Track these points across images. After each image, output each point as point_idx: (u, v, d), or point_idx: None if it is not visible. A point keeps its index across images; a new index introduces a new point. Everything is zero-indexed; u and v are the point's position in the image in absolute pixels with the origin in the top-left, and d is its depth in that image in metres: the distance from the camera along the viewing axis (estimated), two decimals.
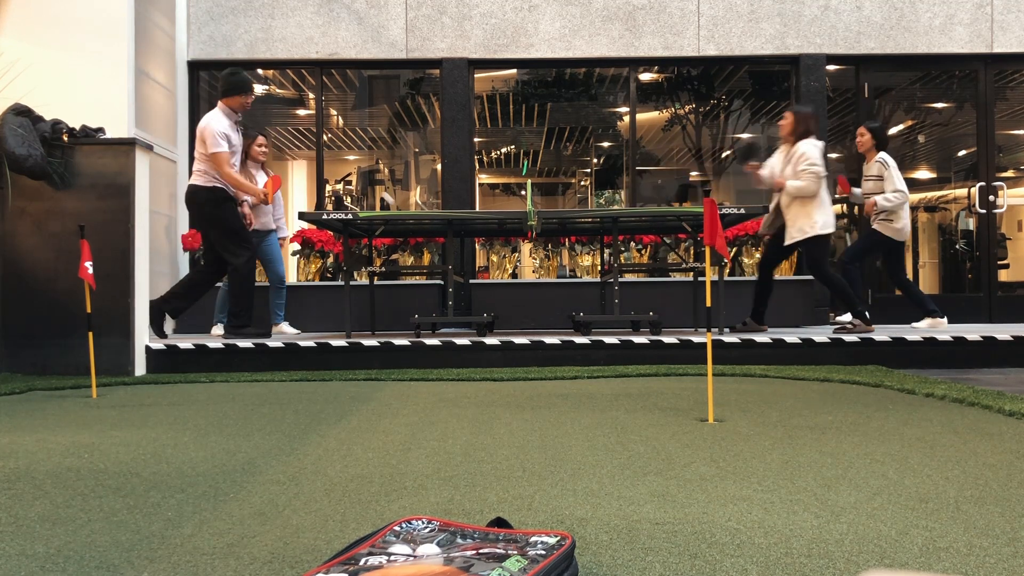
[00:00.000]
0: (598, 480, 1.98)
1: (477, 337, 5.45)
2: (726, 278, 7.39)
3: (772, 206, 6.07)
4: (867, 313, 5.82)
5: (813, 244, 5.79)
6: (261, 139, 6.52)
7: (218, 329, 6.49)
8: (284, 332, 6.55)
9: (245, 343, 5.34)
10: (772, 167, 6.07)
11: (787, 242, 5.87)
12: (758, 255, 7.69)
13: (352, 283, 7.23)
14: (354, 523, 1.62)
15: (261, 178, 6.52)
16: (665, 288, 7.43)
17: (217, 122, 5.56)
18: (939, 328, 6.23)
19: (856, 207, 8.28)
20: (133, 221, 5.06)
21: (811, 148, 5.77)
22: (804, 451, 2.32)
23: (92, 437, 2.74)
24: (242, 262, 5.57)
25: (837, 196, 6.79)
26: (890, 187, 6.09)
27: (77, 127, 5.17)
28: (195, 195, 5.59)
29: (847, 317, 6.63)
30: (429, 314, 7.30)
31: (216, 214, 5.56)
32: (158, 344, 5.30)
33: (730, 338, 5.31)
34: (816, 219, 5.74)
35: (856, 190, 6.44)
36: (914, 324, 6.51)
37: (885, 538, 1.47)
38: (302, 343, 5.30)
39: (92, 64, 6.35)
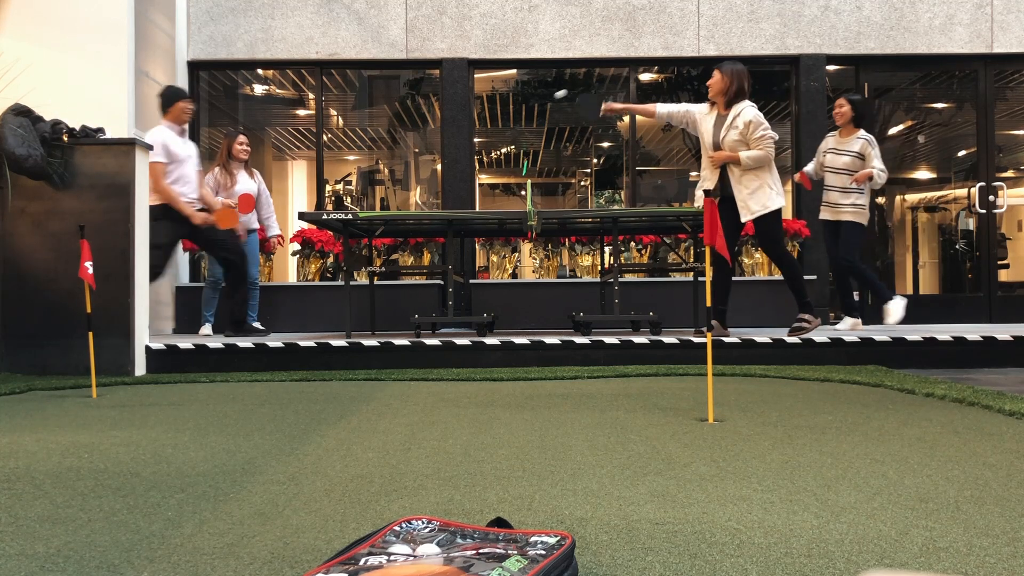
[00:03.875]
0: (598, 480, 1.98)
1: (477, 337, 5.45)
2: None
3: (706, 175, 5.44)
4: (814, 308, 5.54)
5: (773, 219, 5.30)
6: (242, 137, 6.60)
7: (206, 328, 6.50)
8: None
9: (245, 343, 5.34)
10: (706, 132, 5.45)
11: (746, 218, 5.27)
12: (758, 255, 7.68)
13: (352, 283, 7.23)
14: (354, 523, 1.62)
15: (243, 178, 6.56)
16: (665, 288, 7.43)
17: (158, 133, 5.70)
18: (857, 327, 6.21)
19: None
20: (133, 221, 5.06)
21: (755, 112, 5.23)
22: (804, 451, 2.32)
23: (92, 437, 2.74)
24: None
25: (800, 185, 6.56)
26: (875, 162, 5.96)
27: (77, 127, 5.16)
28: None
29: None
30: (429, 314, 7.30)
31: (155, 228, 5.58)
32: (158, 344, 5.30)
33: (730, 338, 5.31)
34: (775, 190, 5.25)
35: (807, 169, 6.35)
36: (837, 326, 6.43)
37: (885, 538, 1.47)
38: (302, 343, 5.30)
39: (92, 64, 6.34)
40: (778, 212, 5.29)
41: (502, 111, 9.68)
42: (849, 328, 6.23)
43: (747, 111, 5.23)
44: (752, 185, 5.23)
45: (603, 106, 5.59)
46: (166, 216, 5.70)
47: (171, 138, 5.81)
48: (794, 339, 5.25)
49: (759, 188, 5.22)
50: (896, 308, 6.15)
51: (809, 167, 6.39)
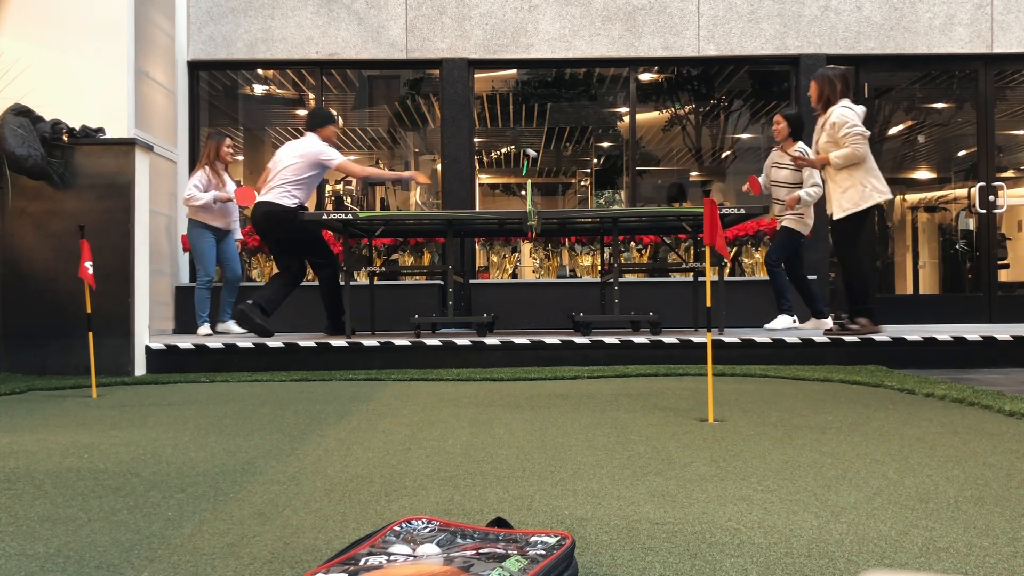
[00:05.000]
0: (598, 480, 1.98)
1: (477, 337, 5.45)
2: (726, 278, 7.39)
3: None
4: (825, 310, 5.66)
5: (854, 220, 5.23)
6: (228, 140, 6.71)
7: (204, 328, 6.50)
8: (231, 330, 6.67)
9: (245, 343, 5.34)
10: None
11: (837, 216, 5.25)
12: (758, 255, 7.68)
13: (352, 283, 7.23)
14: (354, 523, 1.62)
15: (227, 179, 6.70)
16: (665, 288, 7.43)
17: (326, 142, 6.05)
18: (822, 327, 6.21)
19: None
20: (133, 221, 5.06)
21: (844, 111, 5.20)
22: (804, 451, 2.32)
23: (92, 437, 2.74)
24: (336, 261, 6.14)
25: (747, 193, 6.57)
26: (809, 180, 6.12)
27: (77, 127, 5.16)
28: (276, 214, 5.89)
29: (805, 322, 6.45)
30: (429, 314, 7.30)
31: (303, 228, 5.94)
32: (158, 344, 5.30)
33: (730, 338, 5.31)
34: (869, 187, 5.17)
35: (761, 179, 6.47)
36: (802, 324, 6.48)
37: (885, 538, 1.47)
38: (302, 343, 5.30)
39: (92, 64, 6.35)
40: (862, 214, 5.19)
41: (502, 111, 9.68)
42: (811, 327, 6.24)
43: (835, 111, 5.22)
44: (844, 184, 5.20)
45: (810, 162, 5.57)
46: (299, 216, 5.83)
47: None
48: (824, 338, 5.23)
49: (851, 187, 5.18)
50: (782, 322, 6.27)
51: (763, 177, 6.53)
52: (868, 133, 5.19)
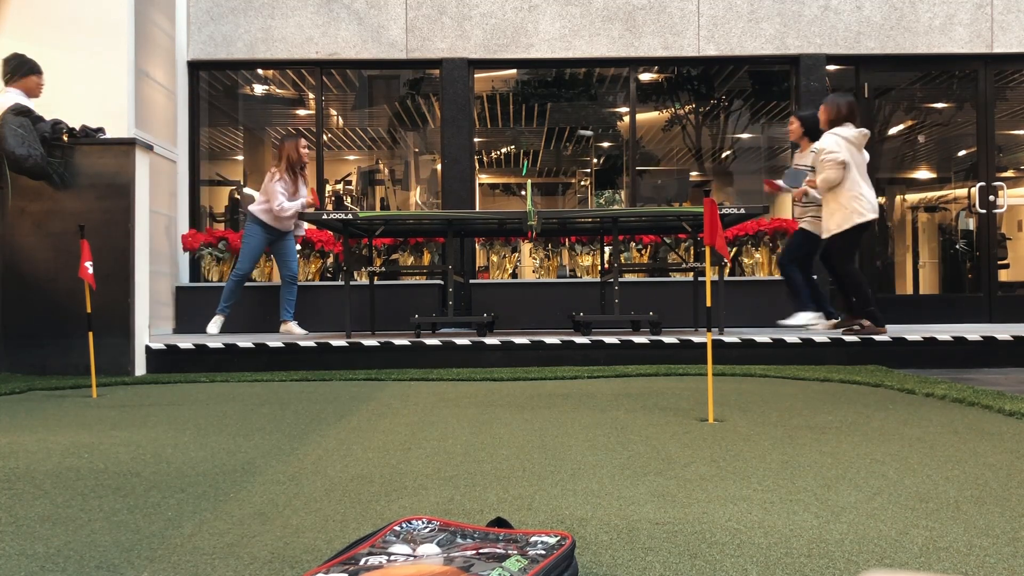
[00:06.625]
0: (598, 480, 1.98)
1: (477, 337, 5.45)
2: (726, 278, 7.39)
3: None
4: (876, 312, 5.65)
5: (840, 238, 5.50)
6: (303, 141, 6.57)
7: (215, 320, 6.44)
8: (292, 332, 6.53)
9: (245, 343, 5.34)
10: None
11: (824, 235, 5.61)
12: (758, 255, 7.68)
13: (352, 283, 7.23)
14: (354, 523, 1.62)
15: (301, 183, 6.56)
16: (665, 288, 7.43)
17: (20, 99, 5.13)
18: (830, 327, 6.19)
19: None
20: (133, 221, 5.06)
21: (828, 138, 5.49)
22: (804, 451, 2.32)
23: (92, 437, 2.74)
24: None
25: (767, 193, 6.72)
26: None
27: (77, 127, 5.16)
28: None
29: (805, 317, 6.28)
30: (429, 314, 7.30)
31: None
32: (158, 344, 5.30)
33: (730, 338, 5.31)
34: (849, 209, 5.47)
35: (778, 182, 6.48)
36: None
37: (885, 538, 1.47)
38: (302, 343, 5.30)
39: (92, 64, 6.35)
40: (849, 232, 5.42)
41: (502, 111, 9.68)
42: (804, 323, 6.15)
43: (822, 139, 5.55)
44: (831, 206, 5.53)
45: (795, 191, 5.92)
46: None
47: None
48: (824, 338, 5.25)
49: (836, 210, 5.48)
50: (802, 319, 6.16)
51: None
52: (843, 159, 5.41)
